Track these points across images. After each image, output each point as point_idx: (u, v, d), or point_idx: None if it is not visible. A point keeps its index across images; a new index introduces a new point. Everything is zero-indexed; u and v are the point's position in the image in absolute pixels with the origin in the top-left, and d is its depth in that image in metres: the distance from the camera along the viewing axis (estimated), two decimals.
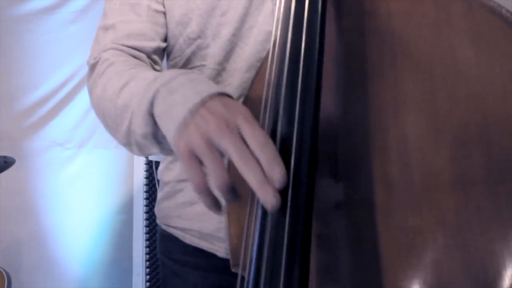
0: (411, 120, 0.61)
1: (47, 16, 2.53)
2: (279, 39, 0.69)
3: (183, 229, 1.04)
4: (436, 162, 0.57)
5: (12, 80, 2.55)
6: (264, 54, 0.91)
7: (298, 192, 0.59)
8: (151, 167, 2.42)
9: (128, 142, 0.82)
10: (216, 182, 0.60)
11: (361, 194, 0.63)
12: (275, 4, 0.89)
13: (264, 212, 0.59)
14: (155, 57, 0.98)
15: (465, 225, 0.55)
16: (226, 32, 0.94)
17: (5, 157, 1.52)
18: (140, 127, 0.74)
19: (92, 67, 0.94)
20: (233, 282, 0.87)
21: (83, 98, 2.55)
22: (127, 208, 2.54)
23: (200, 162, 0.62)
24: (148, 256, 2.46)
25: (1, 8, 2.48)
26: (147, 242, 2.46)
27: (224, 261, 0.91)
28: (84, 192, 2.57)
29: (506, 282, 0.51)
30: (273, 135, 0.62)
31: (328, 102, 0.68)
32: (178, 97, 0.68)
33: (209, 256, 1.01)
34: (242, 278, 0.70)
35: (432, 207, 0.57)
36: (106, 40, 0.96)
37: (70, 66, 2.55)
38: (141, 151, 0.81)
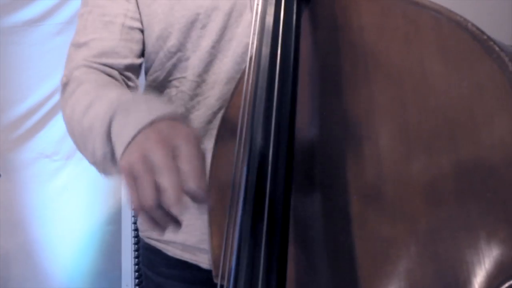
0: (383, 131, 0.62)
1: (32, 28, 2.53)
2: (255, 53, 0.71)
3: (166, 242, 1.05)
4: (408, 172, 0.59)
5: None
6: (242, 66, 0.93)
7: (274, 204, 0.60)
8: None
9: (94, 162, 0.81)
10: (144, 203, 0.60)
11: (337, 205, 0.65)
12: (255, 17, 0.91)
13: (243, 225, 0.61)
14: (128, 73, 0.99)
15: (436, 234, 0.56)
16: (205, 44, 0.96)
17: None
18: (99, 148, 0.75)
19: (64, 86, 0.95)
20: None
21: None
22: (115, 218, 2.53)
23: None
24: (136, 266, 2.45)
25: None
26: (136, 252, 2.45)
27: (208, 273, 0.91)
28: (72, 203, 2.55)
29: None
30: (250, 149, 0.63)
31: (304, 114, 0.69)
32: (132, 118, 0.69)
33: (193, 268, 1.02)
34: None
35: (404, 217, 0.59)
36: (78, 57, 0.97)
37: (57, 78, 2.46)
38: (104, 171, 0.81)
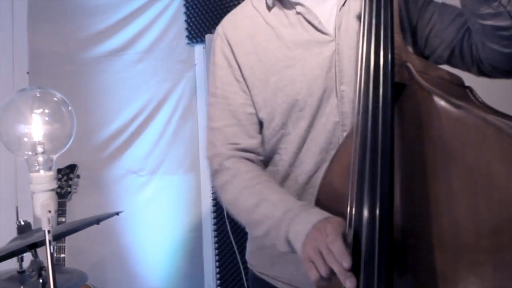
0: (459, 211, 0.86)
1: (116, 57, 2.81)
2: (360, 137, 0.95)
3: (274, 277, 1.30)
4: (478, 247, 0.83)
5: (89, 117, 2.82)
6: (332, 139, 1.19)
7: (381, 260, 0.87)
8: None
9: (263, 237, 1.15)
10: (322, 273, 0.94)
11: (421, 262, 0.89)
12: (340, 100, 1.15)
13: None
14: (259, 150, 1.26)
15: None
16: (304, 124, 1.20)
17: (118, 212, 1.86)
18: (282, 247, 1.09)
19: (215, 172, 1.24)
20: None
21: (152, 130, 2.84)
22: (196, 226, 2.82)
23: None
24: (218, 269, 2.73)
25: (76, 52, 2.75)
26: (217, 257, 2.73)
27: None
28: (158, 213, 2.85)
29: None
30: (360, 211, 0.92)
31: (396, 189, 0.94)
32: (301, 227, 1.03)
33: None
34: None
35: (475, 277, 0.83)
36: (219, 142, 1.24)
37: (139, 101, 2.84)
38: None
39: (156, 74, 2.83)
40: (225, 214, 2.63)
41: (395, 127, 0.95)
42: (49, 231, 0.95)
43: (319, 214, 1.04)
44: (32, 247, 1.45)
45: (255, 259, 1.35)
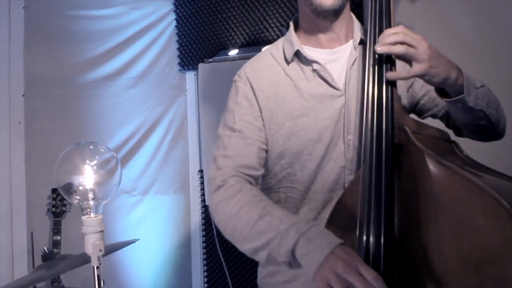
0: (447, 251, 1.04)
1: (110, 82, 2.92)
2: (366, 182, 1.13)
3: None
4: (464, 282, 1.01)
5: (83, 139, 2.86)
6: (339, 181, 1.36)
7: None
8: (207, 210, 2.84)
9: (253, 253, 1.20)
10: None
11: None
12: (347, 147, 1.33)
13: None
14: (258, 180, 1.40)
15: None
16: (312, 166, 1.37)
17: (134, 240, 1.98)
18: (281, 257, 1.12)
19: (218, 188, 1.31)
20: None
21: (144, 152, 2.97)
22: (186, 243, 2.95)
23: None
24: (206, 285, 2.87)
25: (71, 77, 2.82)
26: (206, 273, 2.87)
27: None
28: (149, 231, 2.95)
29: None
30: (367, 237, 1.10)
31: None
32: (315, 245, 1.07)
33: None
34: None
35: None
36: (227, 166, 1.34)
37: (132, 124, 2.95)
38: (269, 262, 1.18)
39: (149, 98, 2.97)
40: (215, 232, 2.78)
41: (395, 180, 1.13)
42: (97, 267, 1.10)
43: (334, 237, 1.09)
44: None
45: (267, 284, 1.49)
